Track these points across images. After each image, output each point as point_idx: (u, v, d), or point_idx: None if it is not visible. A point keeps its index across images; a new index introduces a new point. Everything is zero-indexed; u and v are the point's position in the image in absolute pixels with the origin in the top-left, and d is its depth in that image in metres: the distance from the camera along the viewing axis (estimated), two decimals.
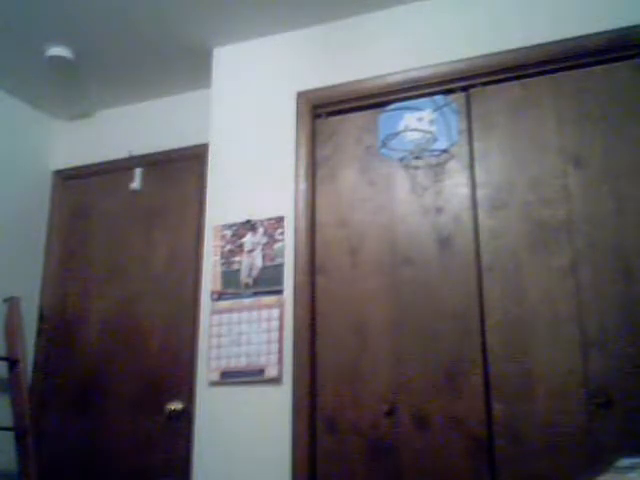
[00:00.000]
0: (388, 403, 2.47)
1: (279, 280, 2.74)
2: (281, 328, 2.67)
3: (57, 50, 3.12)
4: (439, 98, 2.72)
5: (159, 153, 3.45)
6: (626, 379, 2.20)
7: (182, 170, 3.39)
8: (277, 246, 2.78)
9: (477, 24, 2.70)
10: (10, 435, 3.20)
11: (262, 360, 2.66)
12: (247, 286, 2.78)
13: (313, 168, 2.84)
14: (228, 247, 2.86)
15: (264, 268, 2.77)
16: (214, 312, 2.80)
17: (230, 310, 2.77)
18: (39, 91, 3.52)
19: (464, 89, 2.69)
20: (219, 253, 2.87)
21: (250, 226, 2.85)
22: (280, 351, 2.65)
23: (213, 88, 3.12)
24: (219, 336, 2.76)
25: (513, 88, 2.61)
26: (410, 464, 2.40)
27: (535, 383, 2.30)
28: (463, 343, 2.42)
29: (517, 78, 2.62)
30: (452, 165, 2.63)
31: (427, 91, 2.74)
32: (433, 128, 2.69)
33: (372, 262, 2.65)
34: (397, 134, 2.74)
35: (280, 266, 2.75)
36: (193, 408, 2.80)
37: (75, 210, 3.63)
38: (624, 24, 2.46)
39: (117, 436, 3.16)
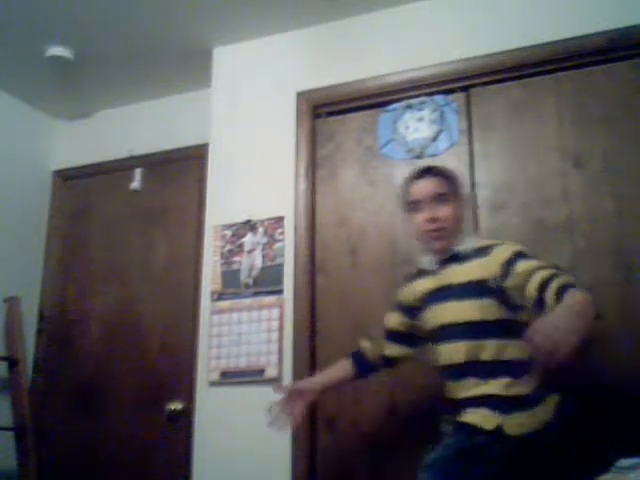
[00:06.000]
0: (388, 403, 2.47)
1: (279, 280, 2.73)
2: (281, 328, 2.67)
3: (57, 50, 3.11)
4: (439, 98, 2.72)
5: (159, 153, 3.44)
6: (626, 379, 2.20)
7: (182, 170, 3.39)
8: (277, 246, 2.78)
9: (477, 24, 2.70)
10: (10, 435, 3.20)
11: (262, 360, 2.66)
12: (247, 286, 2.77)
13: (313, 168, 2.84)
14: (228, 247, 2.86)
15: (264, 268, 2.77)
16: (214, 312, 2.80)
17: (230, 310, 2.77)
18: (39, 91, 3.51)
19: (464, 89, 2.69)
20: (219, 253, 2.87)
21: (250, 226, 2.85)
22: (280, 351, 2.64)
23: (213, 88, 3.12)
24: (219, 336, 2.76)
25: (513, 88, 2.61)
26: (410, 464, 2.39)
27: None
28: None
29: (517, 78, 2.61)
30: (452, 165, 2.62)
31: (427, 91, 2.73)
32: (433, 128, 2.69)
33: (372, 262, 2.65)
34: (397, 134, 2.74)
35: (280, 266, 2.75)
36: (193, 408, 2.80)
37: (75, 210, 3.62)
38: (624, 24, 2.45)
39: (117, 436, 3.15)
